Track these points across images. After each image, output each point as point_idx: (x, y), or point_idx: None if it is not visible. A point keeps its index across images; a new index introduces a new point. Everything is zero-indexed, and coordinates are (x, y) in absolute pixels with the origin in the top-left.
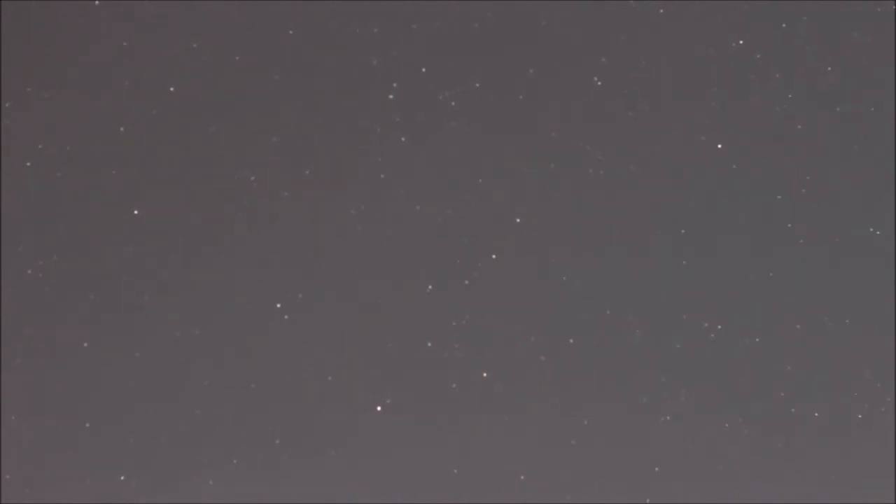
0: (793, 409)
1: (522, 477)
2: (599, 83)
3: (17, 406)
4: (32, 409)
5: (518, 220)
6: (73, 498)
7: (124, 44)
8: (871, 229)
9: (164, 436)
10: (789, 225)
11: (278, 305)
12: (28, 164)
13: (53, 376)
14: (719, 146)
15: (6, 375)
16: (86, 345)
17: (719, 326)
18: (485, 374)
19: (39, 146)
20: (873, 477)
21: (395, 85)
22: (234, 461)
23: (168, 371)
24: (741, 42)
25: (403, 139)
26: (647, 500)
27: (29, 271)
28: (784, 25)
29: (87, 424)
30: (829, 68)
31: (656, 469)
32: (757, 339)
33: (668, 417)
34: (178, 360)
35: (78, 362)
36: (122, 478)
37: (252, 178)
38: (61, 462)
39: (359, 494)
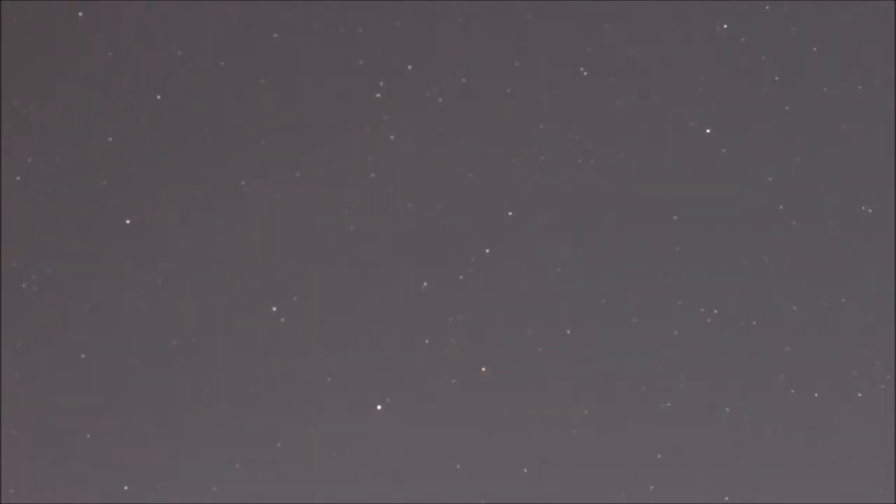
0: (792, 391)
1: (525, 469)
2: (586, 73)
3: (17, 420)
4: (33, 422)
5: (510, 214)
6: None
7: (109, 54)
8: (864, 208)
9: (165, 443)
10: (781, 207)
11: (274, 308)
12: (18, 178)
13: (53, 389)
14: (708, 131)
15: (6, 389)
16: (83, 356)
17: (715, 311)
18: (483, 369)
19: (29, 160)
20: (874, 455)
21: (381, 83)
22: (237, 466)
23: (167, 378)
24: (726, 26)
25: (392, 137)
26: (651, 488)
27: (24, 285)
28: (767, 8)
29: (88, 435)
30: (815, 49)
31: (658, 456)
32: (754, 323)
33: (669, 404)
34: (176, 367)
35: (77, 374)
36: (126, 487)
37: (243, 182)
38: (64, 474)
39: (359, 494)
